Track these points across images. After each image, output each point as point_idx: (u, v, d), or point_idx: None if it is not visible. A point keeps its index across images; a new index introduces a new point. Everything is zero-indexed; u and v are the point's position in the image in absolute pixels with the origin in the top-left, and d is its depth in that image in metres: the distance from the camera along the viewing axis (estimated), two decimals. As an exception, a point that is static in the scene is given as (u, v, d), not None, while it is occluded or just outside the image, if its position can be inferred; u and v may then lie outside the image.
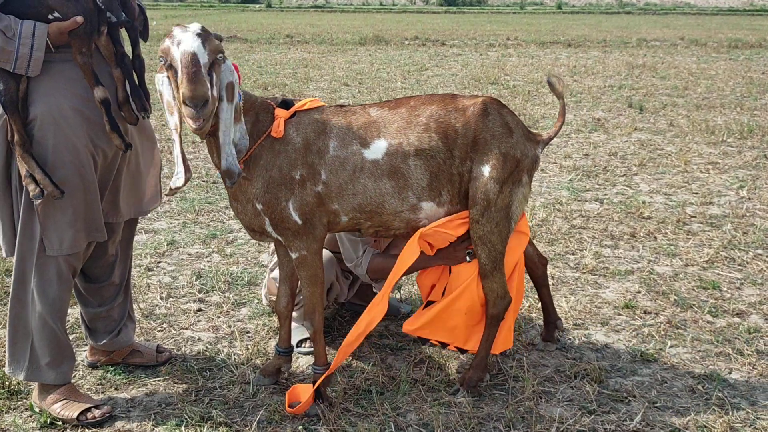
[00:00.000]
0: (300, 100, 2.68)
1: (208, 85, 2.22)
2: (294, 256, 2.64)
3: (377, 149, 2.58)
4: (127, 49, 2.65)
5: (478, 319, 2.87)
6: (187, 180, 2.42)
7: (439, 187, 2.63)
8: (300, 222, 2.58)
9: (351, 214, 2.62)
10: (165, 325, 3.42)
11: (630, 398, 2.78)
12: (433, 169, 2.60)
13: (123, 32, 2.62)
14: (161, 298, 3.70)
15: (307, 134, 2.58)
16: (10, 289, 2.62)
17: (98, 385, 2.91)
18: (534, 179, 2.93)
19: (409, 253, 2.73)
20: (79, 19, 2.36)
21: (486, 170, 2.60)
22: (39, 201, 2.46)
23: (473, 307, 2.83)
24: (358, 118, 2.64)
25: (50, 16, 2.39)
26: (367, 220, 2.65)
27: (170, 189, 2.41)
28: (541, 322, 3.39)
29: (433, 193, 2.63)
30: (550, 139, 2.84)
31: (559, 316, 3.28)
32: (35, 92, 2.47)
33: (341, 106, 2.71)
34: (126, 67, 2.58)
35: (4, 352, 2.74)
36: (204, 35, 2.25)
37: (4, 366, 2.74)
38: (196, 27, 2.27)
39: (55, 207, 2.51)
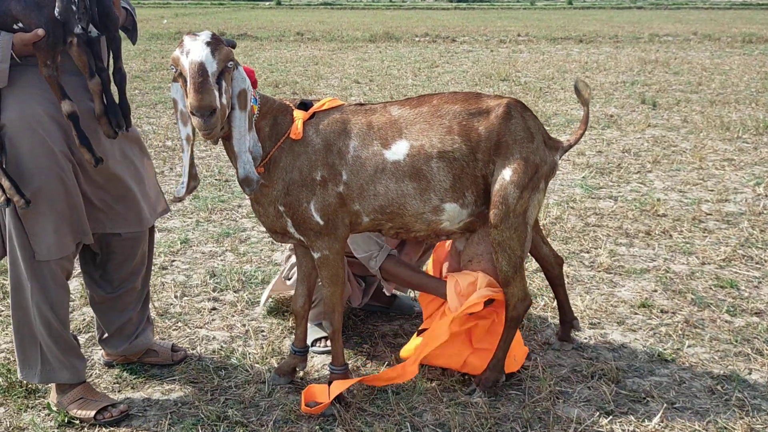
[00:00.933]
0: (318, 100, 2.67)
1: (216, 94, 2.20)
2: (316, 256, 2.63)
3: (399, 150, 2.56)
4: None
5: (460, 342, 2.88)
6: (191, 190, 2.41)
7: (463, 189, 2.60)
8: (322, 222, 2.57)
9: (372, 215, 2.61)
10: (180, 324, 3.42)
11: (648, 399, 2.75)
12: (456, 171, 2.58)
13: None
14: (176, 296, 3.70)
15: (327, 135, 2.56)
16: (10, 297, 2.61)
17: (114, 384, 2.91)
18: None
19: (437, 335, 2.78)
20: (41, 32, 2.28)
21: (507, 174, 2.57)
22: (6, 209, 2.44)
23: (453, 333, 2.82)
24: (379, 118, 2.62)
25: (15, 27, 2.31)
26: (388, 221, 2.64)
27: (174, 197, 2.39)
28: (555, 321, 3.37)
29: (457, 195, 2.60)
30: (570, 146, 2.81)
31: (575, 315, 3.25)
32: (7, 99, 2.43)
33: (361, 104, 2.69)
34: (103, 80, 2.49)
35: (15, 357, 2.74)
36: (214, 44, 2.23)
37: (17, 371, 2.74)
38: (206, 35, 2.25)
39: (38, 213, 2.47)
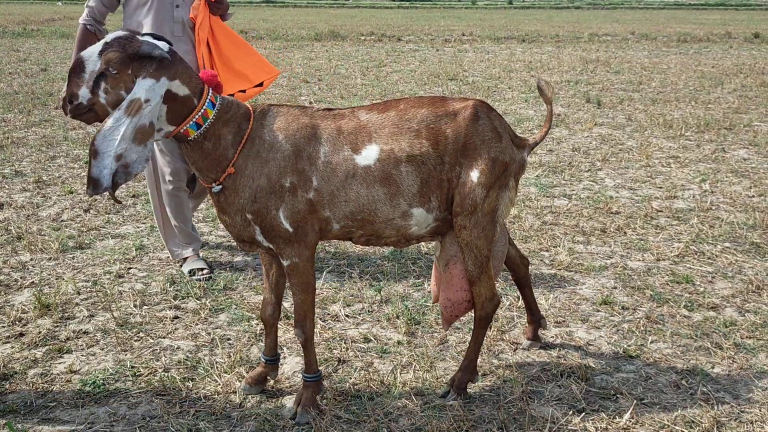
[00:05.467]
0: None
1: (85, 88, 2.33)
2: (285, 263, 2.59)
3: (369, 155, 2.55)
4: None
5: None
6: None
7: (429, 193, 2.60)
8: (291, 230, 2.53)
9: (343, 221, 2.58)
10: (141, 334, 3.32)
11: (617, 395, 2.81)
12: (423, 175, 2.57)
13: None
14: (135, 306, 3.60)
15: (297, 140, 2.53)
16: None
17: (77, 398, 2.81)
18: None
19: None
20: None
21: (474, 175, 2.59)
22: None
23: None
24: (348, 123, 2.60)
25: None
26: (359, 229, 2.61)
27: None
28: (522, 320, 3.41)
29: (423, 199, 2.60)
30: (537, 144, 2.85)
31: (543, 308, 3.29)
32: None
33: (329, 109, 2.66)
34: None
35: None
36: (105, 47, 2.33)
37: None
38: (109, 36, 2.36)
39: None
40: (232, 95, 3.52)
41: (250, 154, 2.51)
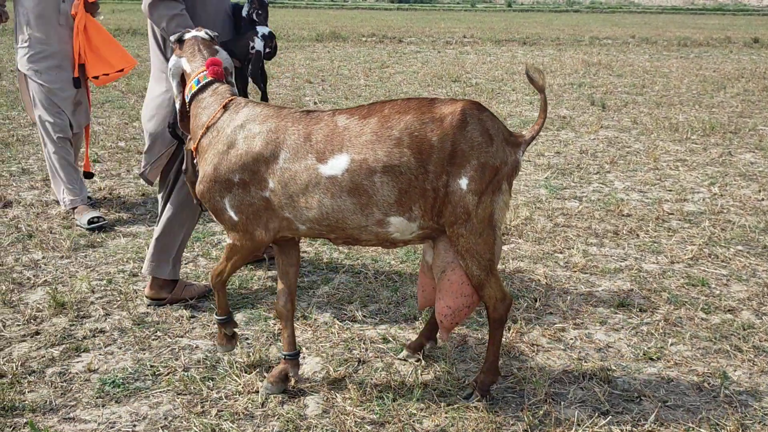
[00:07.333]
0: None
1: None
2: (228, 241, 2.78)
3: (336, 165, 2.47)
4: None
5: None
6: None
7: (410, 203, 2.50)
8: (236, 219, 2.66)
9: (308, 224, 2.57)
10: (159, 333, 3.30)
11: (641, 398, 2.80)
12: (402, 186, 2.47)
13: None
14: (151, 305, 3.57)
15: (254, 143, 2.57)
16: None
17: (98, 398, 2.79)
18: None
19: None
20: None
21: (464, 183, 2.48)
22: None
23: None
24: (322, 128, 2.52)
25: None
26: (330, 232, 2.60)
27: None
28: (540, 321, 3.40)
29: (402, 209, 2.51)
30: (533, 138, 2.69)
31: (561, 310, 3.27)
32: None
33: (309, 111, 2.61)
34: None
35: None
36: None
37: None
38: None
39: None
40: (98, 77, 4.73)
41: (212, 141, 2.70)
